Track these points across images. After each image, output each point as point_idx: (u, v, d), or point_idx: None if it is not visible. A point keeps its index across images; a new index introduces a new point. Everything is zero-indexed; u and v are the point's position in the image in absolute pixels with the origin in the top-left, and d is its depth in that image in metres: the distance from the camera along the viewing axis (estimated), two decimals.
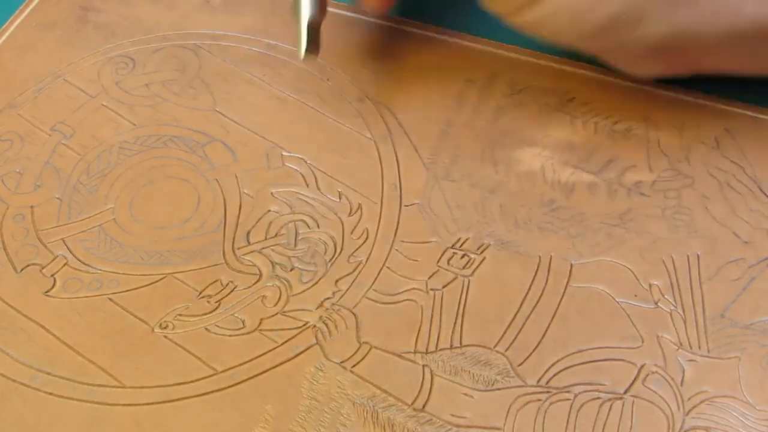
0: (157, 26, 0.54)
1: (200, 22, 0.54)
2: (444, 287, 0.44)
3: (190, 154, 0.49)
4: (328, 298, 0.44)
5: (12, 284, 0.45)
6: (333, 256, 0.45)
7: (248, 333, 0.43)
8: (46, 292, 0.45)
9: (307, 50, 0.46)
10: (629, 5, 0.40)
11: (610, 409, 0.40)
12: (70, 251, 0.46)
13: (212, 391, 0.42)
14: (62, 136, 0.50)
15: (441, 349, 0.42)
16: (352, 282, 0.44)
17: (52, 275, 0.45)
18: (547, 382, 0.40)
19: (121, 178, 0.48)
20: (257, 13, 0.54)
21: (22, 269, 0.45)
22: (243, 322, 0.44)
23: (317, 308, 0.44)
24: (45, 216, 0.47)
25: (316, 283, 0.45)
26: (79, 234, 0.46)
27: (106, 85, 0.52)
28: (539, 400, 0.40)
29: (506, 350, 0.41)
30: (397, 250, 0.45)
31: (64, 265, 0.45)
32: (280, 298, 0.44)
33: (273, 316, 0.44)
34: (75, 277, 0.45)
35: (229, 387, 0.42)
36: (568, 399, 0.40)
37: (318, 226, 0.46)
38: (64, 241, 0.46)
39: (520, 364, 0.41)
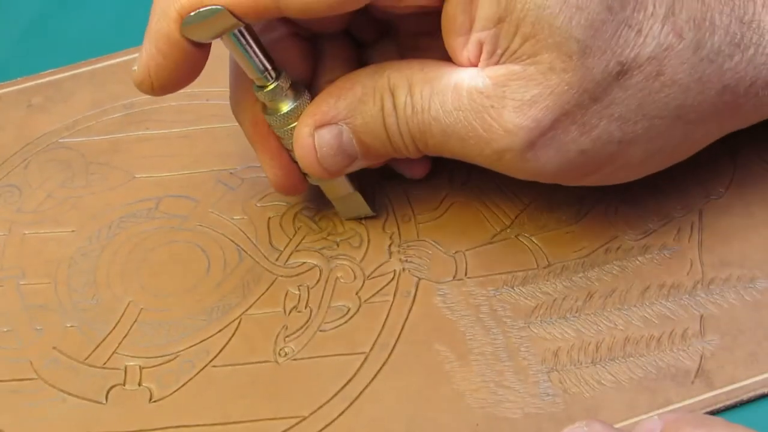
0: (4, 148, 0.50)
1: (39, 124, 0.51)
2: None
3: (152, 220, 0.47)
4: (390, 244, 0.46)
5: (109, 416, 0.41)
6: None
7: (358, 310, 0.44)
8: (150, 401, 0.41)
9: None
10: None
11: None
12: (134, 356, 0.42)
13: (380, 369, 0.42)
14: (15, 279, 0.45)
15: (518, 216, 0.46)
16: (396, 223, 0.46)
17: (140, 385, 0.42)
18: None
19: (110, 274, 0.45)
20: (84, 92, 0.53)
21: (107, 399, 0.41)
22: (345, 306, 0.44)
23: (391, 257, 0.45)
24: (76, 347, 0.43)
25: (369, 240, 0.46)
26: (127, 339, 0.43)
27: (9, 216, 0.47)
28: None
29: None
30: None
31: (142, 369, 0.42)
32: (353, 271, 0.45)
33: (363, 285, 0.44)
34: (163, 372, 0.42)
35: (389, 357, 0.42)
36: None
37: (324, 204, 0.47)
38: (117, 353, 0.43)
39: None
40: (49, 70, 0.54)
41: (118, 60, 0.54)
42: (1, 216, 0.48)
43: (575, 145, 0.40)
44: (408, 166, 0.47)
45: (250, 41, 0.40)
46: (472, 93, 0.40)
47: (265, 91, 0.42)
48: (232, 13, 0.38)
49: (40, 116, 0.52)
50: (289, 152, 0.44)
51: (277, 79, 0.42)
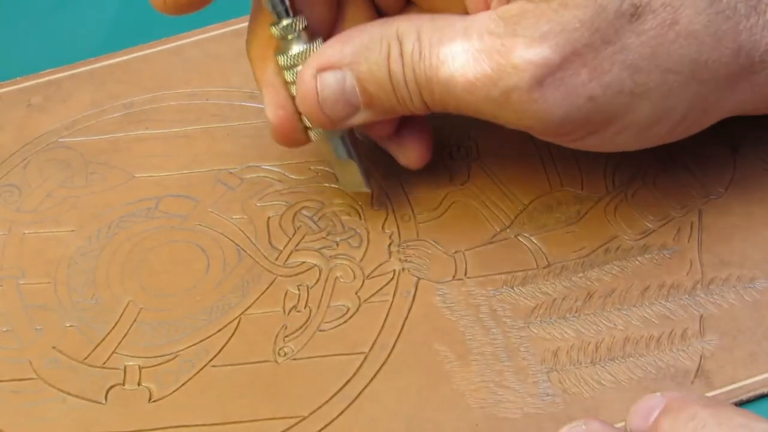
0: (3, 148, 0.50)
1: (38, 123, 0.51)
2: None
3: (152, 220, 0.47)
4: (390, 244, 0.45)
5: (108, 415, 0.41)
6: (359, 213, 0.46)
7: (357, 310, 0.44)
8: (150, 400, 0.41)
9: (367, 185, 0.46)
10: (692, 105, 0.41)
11: None
12: (134, 356, 0.42)
13: (380, 369, 0.42)
14: (14, 279, 0.45)
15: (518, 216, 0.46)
16: (396, 222, 0.46)
17: (139, 385, 0.42)
18: None
19: (110, 274, 0.45)
20: (84, 91, 0.53)
21: (107, 398, 0.41)
22: (344, 306, 0.44)
23: (390, 257, 0.45)
24: (75, 347, 0.43)
25: (368, 240, 0.46)
26: (126, 339, 0.43)
27: (9, 216, 0.47)
28: None
29: None
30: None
31: (141, 369, 0.42)
32: (353, 270, 0.45)
33: (362, 285, 0.44)
34: (163, 372, 0.42)
35: (389, 357, 0.42)
36: None
37: (323, 204, 0.47)
38: (116, 352, 0.43)
39: None
40: (49, 70, 0.54)
41: (117, 60, 0.54)
42: (1, 216, 0.48)
43: (584, 90, 0.39)
44: (405, 152, 0.46)
45: None
46: (483, 34, 0.40)
47: (280, 26, 0.42)
48: None
49: (39, 116, 0.52)
50: (293, 99, 0.43)
51: (294, 17, 0.42)
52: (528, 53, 0.39)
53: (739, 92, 0.42)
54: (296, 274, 0.45)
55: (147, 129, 0.50)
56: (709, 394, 0.40)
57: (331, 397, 0.41)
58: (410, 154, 0.46)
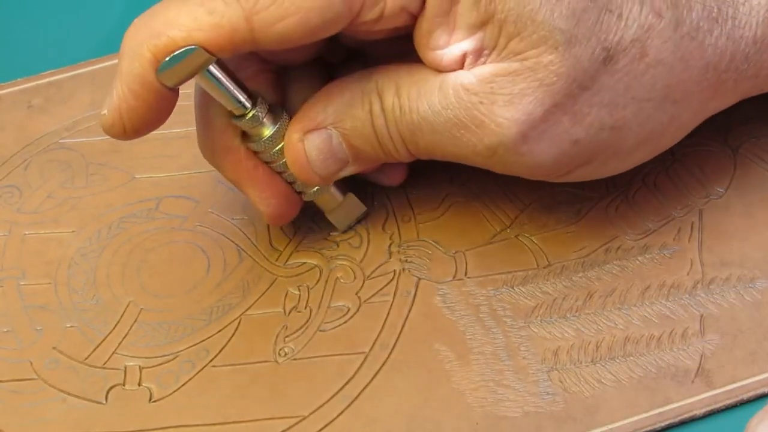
0: (4, 149, 0.51)
1: (39, 124, 0.52)
2: None
3: (152, 221, 0.47)
4: (390, 244, 0.45)
5: (109, 415, 0.41)
6: (359, 215, 0.46)
7: (358, 310, 0.44)
8: (150, 400, 0.41)
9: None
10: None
11: None
12: (134, 357, 0.42)
13: (380, 369, 0.42)
14: (15, 280, 0.45)
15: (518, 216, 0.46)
16: (396, 223, 0.46)
17: (140, 385, 0.42)
18: None
19: (110, 275, 0.45)
20: (84, 92, 0.53)
21: (107, 399, 0.41)
22: (345, 306, 0.44)
23: (391, 257, 0.45)
24: (76, 347, 0.43)
25: (369, 240, 0.46)
26: (126, 339, 0.43)
27: (9, 217, 0.48)
28: None
29: None
30: None
31: (142, 369, 0.42)
32: (353, 271, 0.45)
33: (363, 285, 0.44)
34: (163, 372, 0.42)
35: (389, 357, 0.42)
36: None
37: None
38: (117, 353, 0.43)
39: None
40: (49, 71, 0.54)
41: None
42: (2, 216, 0.48)
43: (568, 135, 0.40)
44: (384, 174, 0.47)
45: (224, 74, 0.40)
46: (459, 91, 0.40)
47: (245, 119, 0.42)
48: (206, 50, 0.38)
49: (40, 117, 0.52)
50: (280, 174, 0.44)
51: (254, 104, 0.42)
52: (509, 112, 0.39)
53: (710, 103, 0.43)
54: (297, 275, 0.45)
55: None
56: (710, 394, 0.40)
57: (331, 397, 0.41)
58: (390, 173, 0.47)
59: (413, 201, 0.47)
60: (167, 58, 0.38)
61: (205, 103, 0.43)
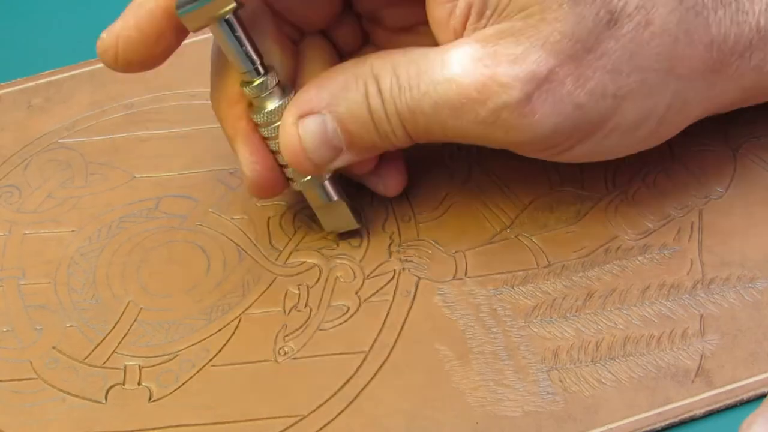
0: (4, 149, 0.51)
1: (39, 124, 0.52)
2: None
3: (152, 220, 0.47)
4: (390, 244, 0.45)
5: (108, 415, 0.41)
6: (359, 214, 0.46)
7: (358, 309, 0.44)
8: (150, 400, 0.41)
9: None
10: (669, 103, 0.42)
11: None
12: (134, 356, 0.42)
13: (380, 369, 0.42)
14: (15, 279, 0.45)
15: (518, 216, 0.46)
16: (396, 222, 0.46)
17: (139, 384, 0.42)
18: None
19: (110, 274, 0.45)
20: (84, 92, 0.53)
21: (107, 398, 0.41)
22: (345, 305, 0.44)
23: (391, 256, 0.45)
24: (75, 347, 0.43)
25: (369, 239, 0.46)
26: (126, 339, 0.43)
27: (9, 217, 0.48)
28: None
29: None
30: None
31: (142, 368, 0.42)
32: (353, 270, 0.45)
33: (363, 284, 0.44)
34: (163, 371, 0.42)
35: (389, 356, 0.42)
36: None
37: None
38: (117, 352, 0.43)
39: None
40: (49, 71, 0.54)
41: None
42: (2, 216, 0.48)
43: (571, 99, 0.40)
44: (382, 183, 0.47)
45: (240, 31, 0.40)
46: (462, 59, 0.40)
47: (252, 86, 0.42)
48: None
49: (39, 116, 0.52)
50: (273, 154, 0.44)
51: (265, 74, 0.42)
52: (513, 70, 0.39)
53: (714, 86, 0.42)
54: (296, 274, 0.45)
55: (147, 129, 0.51)
56: (710, 393, 0.40)
57: (331, 397, 0.41)
58: (389, 183, 0.47)
59: (413, 201, 0.47)
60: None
61: (220, 56, 0.43)
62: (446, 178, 0.48)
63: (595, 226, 0.45)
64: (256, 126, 0.43)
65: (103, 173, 0.49)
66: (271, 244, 0.46)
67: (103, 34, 0.40)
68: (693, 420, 0.40)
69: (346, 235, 0.46)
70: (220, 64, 0.43)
